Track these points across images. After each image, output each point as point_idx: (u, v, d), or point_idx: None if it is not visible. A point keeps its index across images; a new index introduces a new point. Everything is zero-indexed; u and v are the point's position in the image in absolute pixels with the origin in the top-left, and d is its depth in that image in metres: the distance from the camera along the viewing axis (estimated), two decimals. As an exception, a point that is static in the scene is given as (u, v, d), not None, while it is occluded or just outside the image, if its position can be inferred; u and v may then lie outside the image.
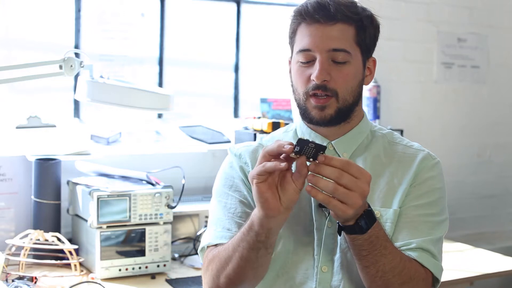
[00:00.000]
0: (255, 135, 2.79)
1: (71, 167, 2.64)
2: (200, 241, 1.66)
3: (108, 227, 2.38)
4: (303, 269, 1.55)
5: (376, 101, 3.39)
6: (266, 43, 3.42)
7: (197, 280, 2.37)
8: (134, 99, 2.01)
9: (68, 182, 2.60)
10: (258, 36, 3.41)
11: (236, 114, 3.36)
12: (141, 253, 2.43)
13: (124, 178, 2.59)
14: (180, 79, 3.23)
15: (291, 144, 1.32)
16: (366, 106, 3.34)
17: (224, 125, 3.21)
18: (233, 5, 3.33)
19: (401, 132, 3.27)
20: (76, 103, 2.95)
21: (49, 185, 2.54)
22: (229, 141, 3.00)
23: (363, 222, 1.37)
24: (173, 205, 2.48)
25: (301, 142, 1.31)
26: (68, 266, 2.35)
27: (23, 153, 2.60)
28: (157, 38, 3.14)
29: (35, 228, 2.47)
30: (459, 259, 2.89)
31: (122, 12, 3.07)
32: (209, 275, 1.52)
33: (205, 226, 2.63)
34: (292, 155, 1.32)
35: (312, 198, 1.54)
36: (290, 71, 1.61)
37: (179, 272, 2.51)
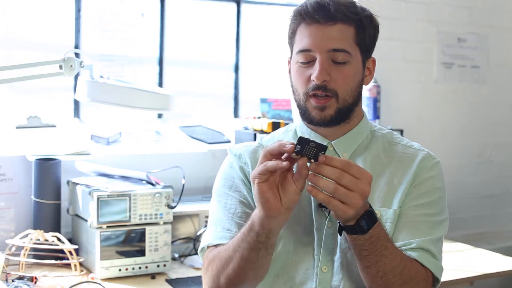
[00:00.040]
0: (255, 135, 2.78)
1: (71, 167, 2.64)
2: (200, 241, 1.66)
3: (108, 227, 2.38)
4: (303, 269, 1.54)
5: (376, 101, 3.39)
6: (266, 43, 3.42)
7: (197, 280, 2.37)
8: (134, 99, 2.01)
9: (68, 182, 2.60)
10: (258, 36, 3.40)
11: (236, 114, 3.36)
12: (141, 253, 2.43)
13: (124, 178, 2.59)
14: (180, 79, 3.23)
15: (292, 143, 1.32)
16: (366, 106, 3.33)
17: (224, 125, 3.21)
18: (233, 5, 3.33)
19: (401, 132, 3.27)
20: (76, 103, 2.95)
21: (49, 185, 2.54)
22: (229, 141, 3.00)
23: (364, 223, 1.37)
24: (173, 205, 2.48)
25: (302, 141, 1.31)
26: (68, 266, 2.35)
27: (23, 153, 2.59)
28: (157, 38, 3.14)
29: (35, 228, 2.47)
30: (459, 259, 2.89)
31: (122, 12, 3.06)
32: (209, 276, 1.52)
33: (205, 226, 2.63)
34: (293, 154, 1.32)
35: (312, 198, 1.54)
36: (289, 71, 1.61)
37: (179, 272, 2.51)
